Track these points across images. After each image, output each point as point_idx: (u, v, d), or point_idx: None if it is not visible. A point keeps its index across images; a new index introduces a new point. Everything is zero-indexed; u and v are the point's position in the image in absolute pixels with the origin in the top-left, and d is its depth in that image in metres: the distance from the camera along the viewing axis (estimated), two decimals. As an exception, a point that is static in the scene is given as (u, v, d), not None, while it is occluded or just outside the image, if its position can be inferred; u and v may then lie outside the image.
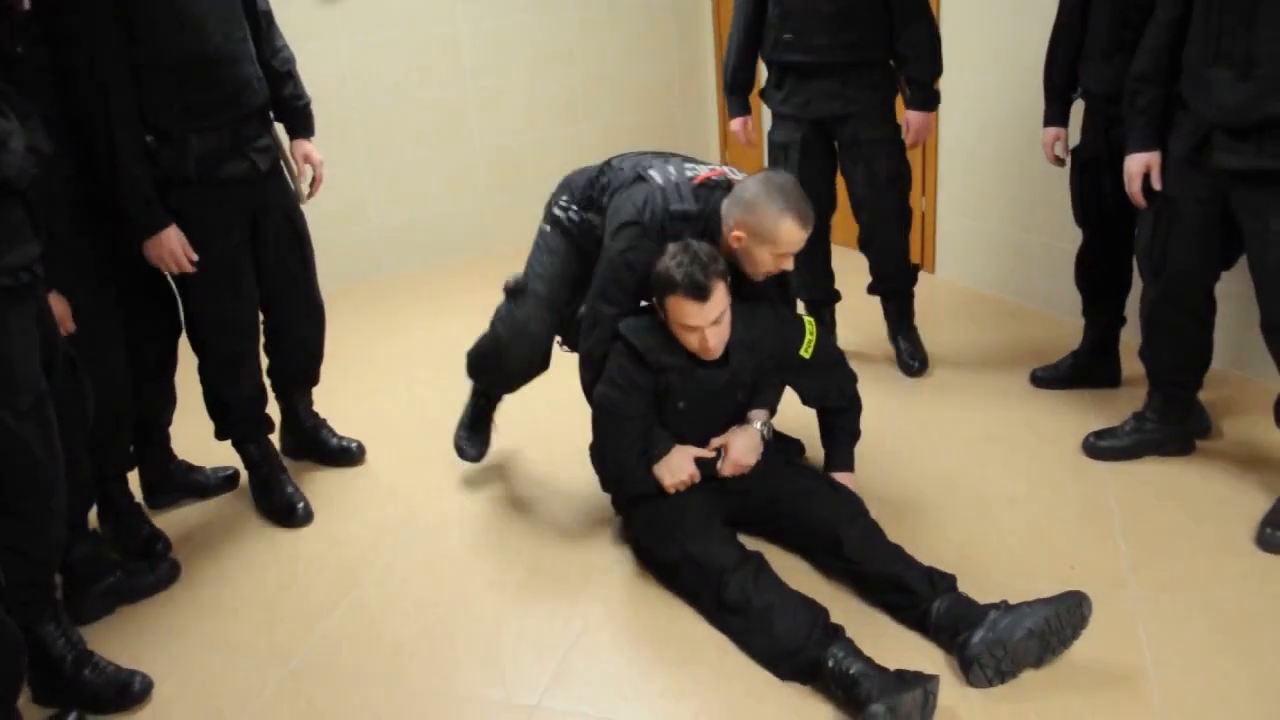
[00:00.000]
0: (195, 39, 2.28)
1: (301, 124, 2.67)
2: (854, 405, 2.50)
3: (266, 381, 2.78)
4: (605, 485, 2.42)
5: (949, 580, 2.08)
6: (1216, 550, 2.28)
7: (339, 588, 2.41)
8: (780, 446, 2.52)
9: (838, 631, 1.98)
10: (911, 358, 3.33)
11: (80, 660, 2.04)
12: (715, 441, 2.36)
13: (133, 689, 2.05)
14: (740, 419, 2.38)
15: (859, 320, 3.51)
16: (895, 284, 3.31)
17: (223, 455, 2.81)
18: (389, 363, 3.70)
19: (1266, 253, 2.17)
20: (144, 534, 2.54)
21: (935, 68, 3.01)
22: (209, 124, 2.35)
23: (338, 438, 2.99)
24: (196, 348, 2.59)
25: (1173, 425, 2.63)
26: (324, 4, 4.27)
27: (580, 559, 2.45)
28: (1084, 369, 3.05)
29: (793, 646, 1.96)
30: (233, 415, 2.68)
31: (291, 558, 2.54)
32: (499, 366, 2.59)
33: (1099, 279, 2.91)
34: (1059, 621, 1.92)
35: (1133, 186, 2.41)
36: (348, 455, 2.97)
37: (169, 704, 2.07)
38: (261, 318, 2.71)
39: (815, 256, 3.24)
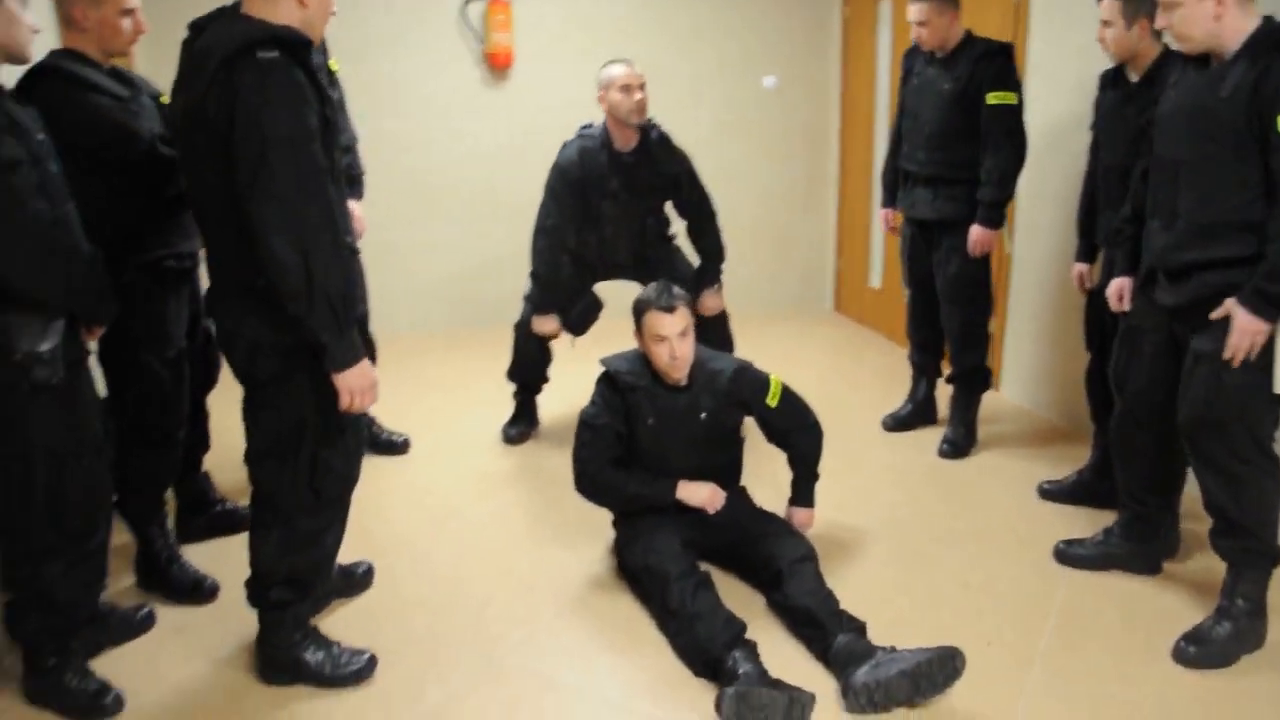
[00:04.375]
0: None
1: (354, 189, 3.36)
2: (815, 454, 2.89)
3: None
4: (590, 497, 2.82)
5: (857, 624, 2.40)
6: (1132, 655, 2.47)
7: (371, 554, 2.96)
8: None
9: (748, 644, 2.33)
10: (947, 442, 3.73)
11: (171, 559, 2.68)
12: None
13: (204, 587, 2.67)
14: (705, 437, 2.77)
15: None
16: (956, 371, 3.74)
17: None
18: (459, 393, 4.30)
19: (1190, 368, 2.42)
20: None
21: (1003, 194, 3.43)
22: None
23: (386, 432, 3.74)
24: None
25: (1138, 544, 2.82)
26: (487, 87, 5.09)
27: (573, 565, 2.90)
28: (1087, 485, 3.25)
29: (704, 648, 2.33)
30: None
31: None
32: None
33: (1102, 398, 3.14)
34: (930, 668, 2.20)
35: (1113, 305, 2.75)
36: (394, 447, 3.70)
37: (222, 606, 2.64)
38: None
39: (920, 330, 3.84)
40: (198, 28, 2.06)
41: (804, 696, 2.16)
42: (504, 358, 4.77)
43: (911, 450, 3.77)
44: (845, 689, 2.23)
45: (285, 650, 2.32)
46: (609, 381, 2.77)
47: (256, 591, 2.30)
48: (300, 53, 1.98)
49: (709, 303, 3.74)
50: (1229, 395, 2.34)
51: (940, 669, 2.21)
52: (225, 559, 2.83)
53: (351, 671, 2.34)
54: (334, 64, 3.37)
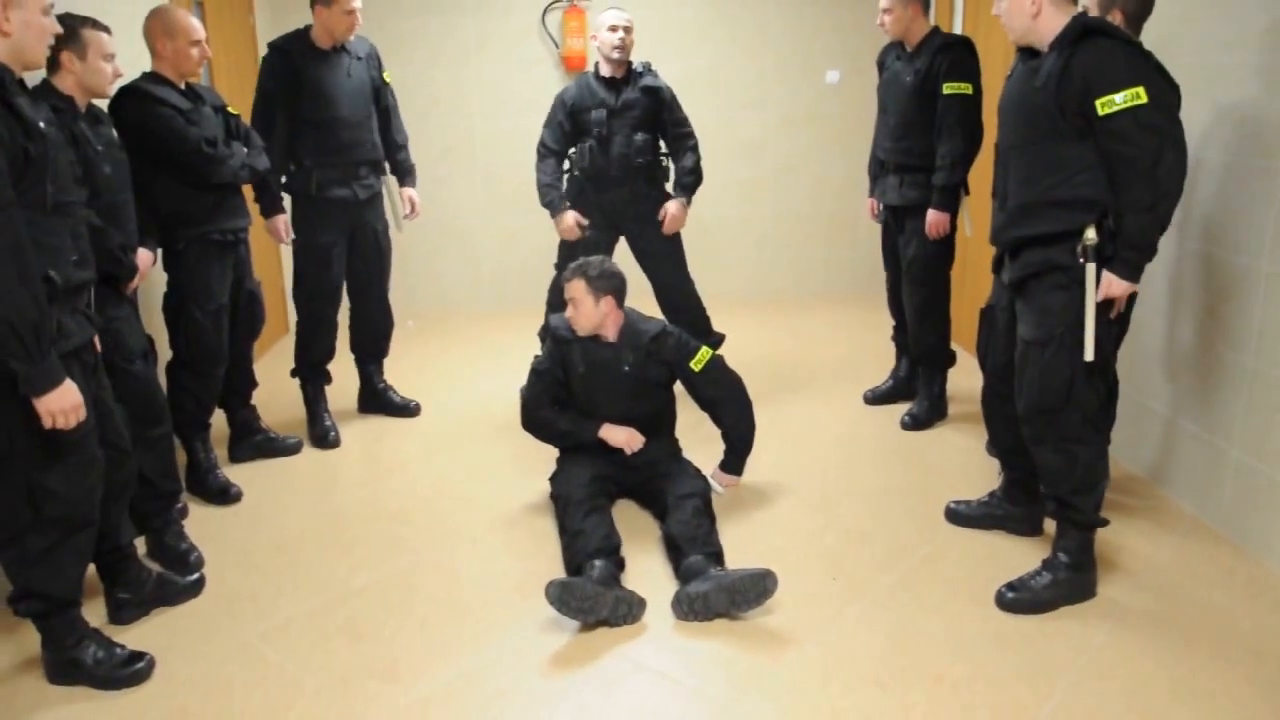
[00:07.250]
0: (329, 108, 3.75)
1: (408, 176, 4.09)
2: (740, 425, 3.29)
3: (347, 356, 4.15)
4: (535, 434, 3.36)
5: (713, 549, 2.81)
6: (961, 597, 2.75)
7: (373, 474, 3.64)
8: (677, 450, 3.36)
9: (615, 557, 2.81)
10: (909, 415, 4.05)
11: (210, 467, 3.45)
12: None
13: (229, 493, 3.43)
14: (629, 387, 3.21)
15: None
16: (917, 350, 4.05)
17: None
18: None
19: (1020, 357, 2.68)
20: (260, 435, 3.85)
21: (954, 179, 3.72)
22: (326, 161, 3.78)
23: (400, 397, 4.30)
24: (297, 309, 3.99)
25: (1017, 506, 3.06)
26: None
27: (521, 491, 3.48)
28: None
29: (576, 556, 2.82)
30: (307, 360, 4.01)
31: (331, 467, 3.81)
32: None
33: None
34: (743, 585, 2.61)
35: None
36: (407, 410, 4.27)
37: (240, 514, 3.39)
38: (349, 306, 4.06)
39: (897, 310, 4.16)
40: None
41: (633, 598, 2.62)
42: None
43: (879, 421, 4.08)
44: (674, 599, 2.67)
45: (60, 653, 2.41)
46: (553, 335, 3.30)
47: (11, 603, 2.38)
48: None
49: (673, 211, 4.17)
50: (1057, 382, 2.58)
51: (753, 587, 2.62)
52: (259, 476, 3.62)
53: (128, 674, 2.41)
54: (387, 76, 4.02)
